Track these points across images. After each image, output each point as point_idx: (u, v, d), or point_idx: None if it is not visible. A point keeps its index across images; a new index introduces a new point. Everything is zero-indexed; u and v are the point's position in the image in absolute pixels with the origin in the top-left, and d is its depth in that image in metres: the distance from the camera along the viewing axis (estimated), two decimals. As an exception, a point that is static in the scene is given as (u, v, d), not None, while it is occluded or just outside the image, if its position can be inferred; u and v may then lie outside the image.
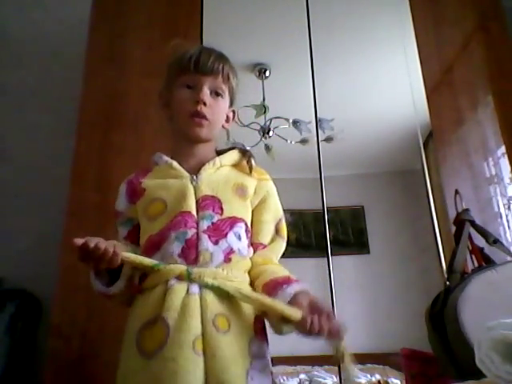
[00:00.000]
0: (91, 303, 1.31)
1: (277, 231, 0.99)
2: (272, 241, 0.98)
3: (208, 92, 0.97)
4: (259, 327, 0.87)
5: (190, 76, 0.98)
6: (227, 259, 0.87)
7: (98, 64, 1.63)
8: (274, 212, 1.00)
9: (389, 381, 1.74)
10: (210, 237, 0.87)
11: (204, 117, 0.96)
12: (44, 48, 1.94)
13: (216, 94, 0.99)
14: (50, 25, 1.98)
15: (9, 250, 1.64)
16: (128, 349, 0.82)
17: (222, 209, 0.91)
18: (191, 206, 0.89)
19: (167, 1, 1.77)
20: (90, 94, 1.58)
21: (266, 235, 0.97)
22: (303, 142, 2.07)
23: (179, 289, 0.82)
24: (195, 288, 0.82)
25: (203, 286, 0.82)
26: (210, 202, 0.91)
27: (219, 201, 0.92)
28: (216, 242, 0.87)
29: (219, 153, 1.02)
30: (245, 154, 1.02)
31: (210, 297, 0.82)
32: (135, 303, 0.87)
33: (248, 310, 0.86)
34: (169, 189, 0.92)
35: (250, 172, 1.00)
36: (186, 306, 0.80)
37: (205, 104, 0.96)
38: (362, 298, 2.08)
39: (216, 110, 0.99)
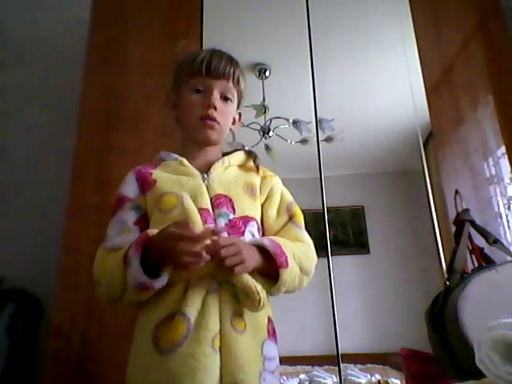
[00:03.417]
0: (91, 303, 1.31)
1: (290, 218, 0.98)
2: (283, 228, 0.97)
3: (218, 96, 0.98)
4: (271, 328, 0.88)
5: (200, 79, 0.97)
6: None
7: (97, 64, 1.63)
8: (281, 206, 1.00)
9: (389, 381, 1.74)
10: (229, 234, 0.87)
11: (215, 120, 0.97)
12: (44, 48, 1.94)
13: (225, 98, 0.99)
14: (49, 25, 1.98)
15: (9, 250, 1.63)
16: (141, 345, 0.82)
17: (233, 208, 0.91)
18: (207, 203, 0.90)
19: (167, 1, 1.77)
20: (89, 94, 1.58)
21: (275, 231, 0.97)
22: (303, 141, 2.06)
23: (201, 286, 0.82)
24: (214, 286, 0.83)
25: (223, 284, 0.83)
26: (223, 201, 0.91)
27: (231, 200, 0.92)
28: None
29: (224, 155, 1.02)
30: (250, 154, 1.04)
31: (227, 296, 0.83)
32: (150, 300, 0.85)
33: (261, 311, 0.85)
34: (182, 185, 0.92)
35: (258, 171, 1.01)
36: (206, 303, 0.81)
37: (215, 108, 0.96)
38: (362, 298, 2.08)
39: (225, 113, 0.99)
